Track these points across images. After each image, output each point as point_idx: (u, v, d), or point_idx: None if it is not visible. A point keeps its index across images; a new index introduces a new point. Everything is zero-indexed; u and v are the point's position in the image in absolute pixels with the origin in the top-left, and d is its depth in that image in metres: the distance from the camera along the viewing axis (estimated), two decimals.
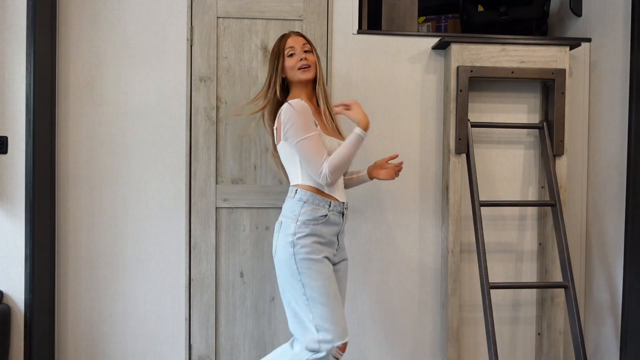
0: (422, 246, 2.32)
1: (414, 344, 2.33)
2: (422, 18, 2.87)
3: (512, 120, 2.32)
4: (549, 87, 2.27)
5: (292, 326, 1.72)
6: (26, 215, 2.03)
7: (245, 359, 2.27)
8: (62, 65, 2.20)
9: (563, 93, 2.21)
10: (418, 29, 2.71)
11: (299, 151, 1.70)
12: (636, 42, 2.06)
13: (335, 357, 1.65)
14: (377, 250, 2.30)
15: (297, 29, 2.21)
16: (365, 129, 1.72)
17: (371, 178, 1.97)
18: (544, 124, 2.26)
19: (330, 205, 1.75)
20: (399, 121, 2.30)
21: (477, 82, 2.28)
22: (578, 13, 2.39)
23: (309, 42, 1.85)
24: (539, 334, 2.35)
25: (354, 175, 2.00)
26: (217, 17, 2.22)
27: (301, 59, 1.79)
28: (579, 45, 2.26)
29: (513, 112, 2.33)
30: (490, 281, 2.17)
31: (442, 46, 2.25)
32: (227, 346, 2.27)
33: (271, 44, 2.20)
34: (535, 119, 2.34)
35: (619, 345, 2.14)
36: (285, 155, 1.79)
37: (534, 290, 2.36)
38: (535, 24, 2.47)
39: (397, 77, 2.29)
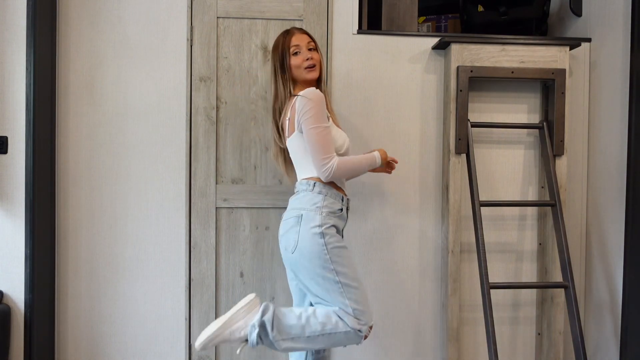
0: (422, 246, 2.32)
1: (414, 344, 2.33)
2: (422, 18, 2.87)
3: (512, 120, 2.32)
4: (549, 87, 2.27)
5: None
6: (26, 215, 2.03)
7: (245, 359, 2.27)
8: (62, 65, 2.20)
9: (563, 93, 2.21)
10: (418, 29, 2.71)
11: (310, 138, 1.70)
12: (636, 42, 2.06)
13: (365, 337, 1.70)
14: (377, 250, 2.30)
15: None
16: (382, 159, 1.85)
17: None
18: (544, 124, 2.26)
19: (342, 200, 1.79)
20: (399, 121, 2.30)
21: (477, 82, 2.28)
22: (578, 13, 2.39)
23: (312, 39, 1.85)
24: (539, 334, 2.35)
25: None
26: (217, 17, 2.22)
27: (307, 59, 1.80)
28: (579, 45, 2.26)
29: (513, 112, 2.33)
30: (490, 281, 2.17)
31: (442, 46, 2.25)
32: (227, 346, 2.27)
33: (271, 44, 2.20)
34: (535, 119, 2.34)
35: (619, 345, 2.14)
36: (298, 148, 1.78)
37: (534, 290, 2.36)
38: (535, 24, 2.47)
39: (397, 77, 2.30)
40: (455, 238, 2.21)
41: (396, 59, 2.29)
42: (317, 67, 1.82)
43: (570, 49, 2.25)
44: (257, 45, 2.24)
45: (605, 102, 2.26)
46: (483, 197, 2.31)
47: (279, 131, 1.87)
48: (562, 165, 2.24)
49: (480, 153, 2.32)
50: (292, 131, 1.78)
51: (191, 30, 2.22)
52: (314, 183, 1.75)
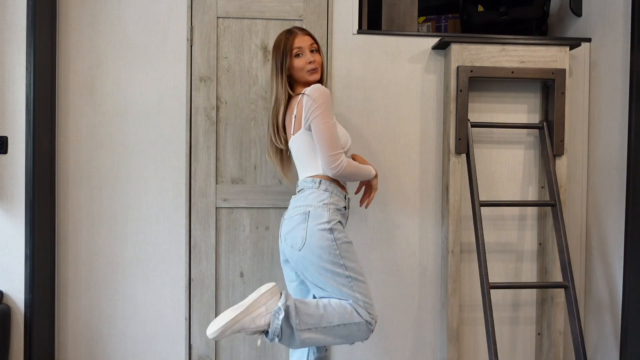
0: (422, 246, 2.32)
1: (414, 344, 2.33)
2: (422, 18, 2.87)
3: (512, 120, 2.32)
4: (549, 87, 2.27)
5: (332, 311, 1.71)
6: (26, 215, 2.03)
7: (245, 359, 2.28)
8: (62, 65, 2.20)
9: (563, 93, 2.21)
10: (418, 29, 2.71)
11: (321, 134, 1.70)
12: (636, 42, 2.06)
13: (372, 330, 1.71)
14: (377, 250, 2.30)
15: None
16: (374, 177, 1.90)
17: None
18: (544, 124, 2.26)
19: (345, 198, 1.81)
20: (399, 121, 2.30)
21: (477, 82, 2.28)
22: (578, 13, 2.39)
23: (315, 40, 1.85)
24: (539, 334, 2.35)
25: None
26: (217, 17, 2.22)
27: (310, 62, 1.80)
28: (579, 45, 2.26)
29: (513, 112, 2.33)
30: (490, 281, 2.17)
31: (442, 46, 2.25)
32: (227, 346, 2.27)
33: (271, 44, 2.20)
34: (535, 119, 2.34)
35: (619, 345, 2.14)
36: (304, 146, 1.78)
37: (534, 290, 2.36)
38: (535, 24, 2.47)
39: (397, 77, 2.30)
40: (455, 238, 2.21)
41: (396, 59, 2.29)
42: (319, 70, 1.83)
43: (570, 49, 2.25)
44: (257, 45, 2.24)
45: (605, 102, 2.26)
46: (483, 197, 2.31)
47: (278, 131, 1.86)
48: (562, 165, 2.24)
49: (480, 153, 2.32)
50: (297, 129, 1.78)
51: (191, 30, 2.22)
52: (320, 180, 1.76)
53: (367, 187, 1.96)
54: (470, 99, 2.29)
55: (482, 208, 2.27)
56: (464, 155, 2.23)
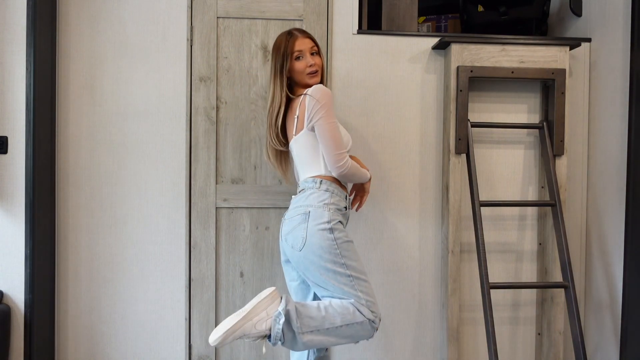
0: (422, 246, 2.32)
1: (414, 344, 2.33)
2: (422, 18, 2.87)
3: (512, 120, 2.32)
4: (549, 87, 2.27)
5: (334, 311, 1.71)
6: (26, 215, 2.03)
7: (245, 358, 2.28)
8: (62, 65, 2.20)
9: (563, 93, 2.21)
10: (418, 29, 2.71)
11: (325, 133, 1.71)
12: (636, 42, 2.06)
13: (376, 329, 1.71)
14: (377, 250, 2.30)
15: None
16: (368, 180, 1.93)
17: None
18: (544, 124, 2.26)
19: (346, 199, 1.82)
20: (399, 121, 2.30)
21: (477, 82, 2.28)
22: (578, 13, 2.39)
23: (315, 43, 1.85)
24: (539, 334, 2.35)
25: None
26: (217, 17, 2.22)
27: (310, 65, 1.80)
28: (579, 45, 2.26)
29: (513, 112, 2.33)
30: (490, 281, 2.17)
31: (442, 46, 2.25)
32: (227, 346, 2.27)
33: (271, 44, 2.20)
34: (535, 119, 2.34)
35: (619, 345, 2.14)
36: (307, 146, 1.78)
37: (534, 290, 2.36)
38: (535, 24, 2.47)
39: (397, 77, 2.30)
40: (455, 238, 2.21)
41: (396, 59, 2.29)
42: (319, 72, 1.83)
43: (570, 49, 2.25)
44: (257, 45, 2.24)
45: (605, 102, 2.26)
46: (483, 197, 2.31)
47: (277, 134, 1.86)
48: (562, 165, 2.24)
49: (480, 153, 2.32)
50: (300, 129, 1.78)
51: (191, 30, 2.22)
52: (321, 181, 1.76)
53: (360, 190, 1.96)
54: (470, 99, 2.29)
55: (482, 208, 2.27)
56: (464, 155, 2.23)
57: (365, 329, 1.67)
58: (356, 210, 2.01)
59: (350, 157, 1.93)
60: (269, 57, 2.22)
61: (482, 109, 2.32)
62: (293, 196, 1.85)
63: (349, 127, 2.27)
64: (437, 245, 2.32)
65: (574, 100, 2.36)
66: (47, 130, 2.12)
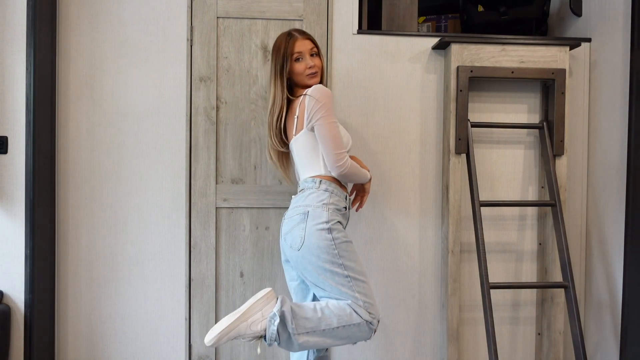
0: (422, 246, 2.32)
1: (414, 344, 2.33)
2: (422, 18, 2.87)
3: (512, 120, 2.32)
4: (549, 87, 2.27)
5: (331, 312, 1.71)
6: (26, 215, 2.03)
7: (245, 358, 2.28)
8: (62, 65, 2.20)
9: (563, 93, 2.21)
10: (418, 29, 2.71)
11: (325, 133, 1.71)
12: (636, 42, 2.06)
13: (375, 330, 1.71)
14: (377, 250, 2.30)
15: None
16: (368, 181, 1.92)
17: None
18: (544, 124, 2.26)
19: (346, 199, 1.81)
20: (399, 121, 2.30)
21: (477, 82, 2.28)
22: (578, 13, 2.39)
23: (315, 44, 1.85)
24: (539, 334, 2.35)
25: None
26: (217, 17, 2.22)
27: (310, 66, 1.80)
28: (579, 45, 2.26)
29: (513, 112, 2.33)
30: (490, 281, 2.17)
31: (442, 46, 2.25)
32: (227, 346, 2.27)
33: (271, 44, 2.20)
34: (535, 119, 2.34)
35: (619, 345, 2.14)
36: (306, 145, 1.78)
37: (534, 290, 2.36)
38: (535, 24, 2.47)
39: (397, 77, 2.30)
40: (455, 238, 2.21)
41: (396, 59, 2.29)
42: (319, 74, 1.83)
43: (570, 49, 2.25)
44: (257, 45, 2.24)
45: (605, 102, 2.26)
46: (483, 197, 2.31)
47: (278, 135, 1.86)
48: (562, 165, 2.24)
49: (480, 153, 2.32)
50: (300, 129, 1.78)
51: (191, 30, 2.22)
52: (320, 180, 1.76)
53: (360, 190, 1.96)
54: (470, 99, 2.29)
55: (482, 208, 2.27)
56: (464, 155, 2.23)
57: (362, 330, 1.67)
58: (356, 210, 2.01)
59: (351, 157, 1.93)
60: (269, 57, 2.22)
61: (482, 109, 2.32)
62: (293, 196, 1.85)
63: (349, 127, 2.27)
64: (437, 245, 2.32)
65: (574, 100, 2.36)
66: (47, 130, 2.12)
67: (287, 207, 1.86)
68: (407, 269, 2.32)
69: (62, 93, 2.20)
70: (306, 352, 1.85)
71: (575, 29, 2.45)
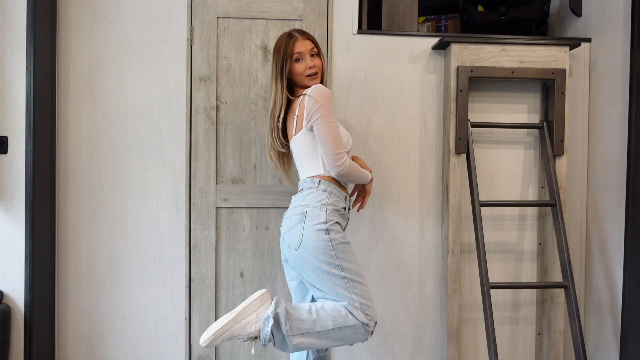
0: (422, 246, 2.32)
1: (414, 344, 2.33)
2: (422, 18, 2.87)
3: (512, 120, 2.32)
4: (549, 87, 2.27)
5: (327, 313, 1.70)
6: (26, 215, 2.03)
7: (245, 358, 2.28)
8: (62, 65, 2.20)
9: (563, 93, 2.21)
10: (418, 29, 2.71)
11: (324, 133, 1.71)
12: (636, 42, 2.06)
13: (371, 332, 1.70)
14: (377, 250, 2.30)
15: None
16: (369, 182, 1.91)
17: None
18: (544, 124, 2.26)
19: (345, 199, 1.80)
20: (399, 121, 2.30)
21: (477, 82, 2.28)
22: (578, 13, 2.39)
23: (315, 44, 1.85)
24: (539, 334, 2.35)
25: None
26: (217, 17, 2.22)
27: (310, 67, 1.80)
28: (579, 45, 2.26)
29: (513, 112, 2.33)
30: (490, 281, 2.17)
31: (442, 46, 2.25)
32: (227, 346, 2.27)
33: (271, 44, 2.20)
34: (535, 119, 2.34)
35: (619, 345, 2.14)
36: (305, 146, 1.78)
37: (534, 290, 2.36)
38: (535, 24, 2.47)
39: (397, 77, 2.30)
40: (455, 238, 2.21)
41: (396, 59, 2.29)
42: (319, 74, 1.83)
43: (570, 49, 2.25)
44: (257, 45, 2.24)
45: (605, 102, 2.26)
46: (483, 197, 2.31)
47: (278, 135, 1.86)
48: (562, 165, 2.24)
49: (480, 153, 2.32)
50: (299, 129, 1.78)
51: (191, 30, 2.22)
52: (319, 181, 1.76)
53: (361, 191, 1.96)
54: (470, 99, 2.29)
55: (482, 208, 2.27)
56: (464, 155, 2.23)
57: (358, 332, 1.66)
58: (357, 211, 2.00)
59: (353, 157, 1.93)
60: (269, 57, 2.22)
61: (482, 109, 2.32)
62: (293, 196, 1.85)
63: (349, 127, 2.27)
64: (437, 245, 2.32)
65: (574, 100, 2.36)
66: (47, 130, 2.12)
67: (287, 207, 1.86)
68: (407, 269, 2.32)
69: (62, 93, 2.20)
70: (305, 352, 1.85)
71: (575, 29, 2.45)
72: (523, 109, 2.33)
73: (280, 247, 1.87)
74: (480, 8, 2.55)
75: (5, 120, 2.04)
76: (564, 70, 2.20)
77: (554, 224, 2.19)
